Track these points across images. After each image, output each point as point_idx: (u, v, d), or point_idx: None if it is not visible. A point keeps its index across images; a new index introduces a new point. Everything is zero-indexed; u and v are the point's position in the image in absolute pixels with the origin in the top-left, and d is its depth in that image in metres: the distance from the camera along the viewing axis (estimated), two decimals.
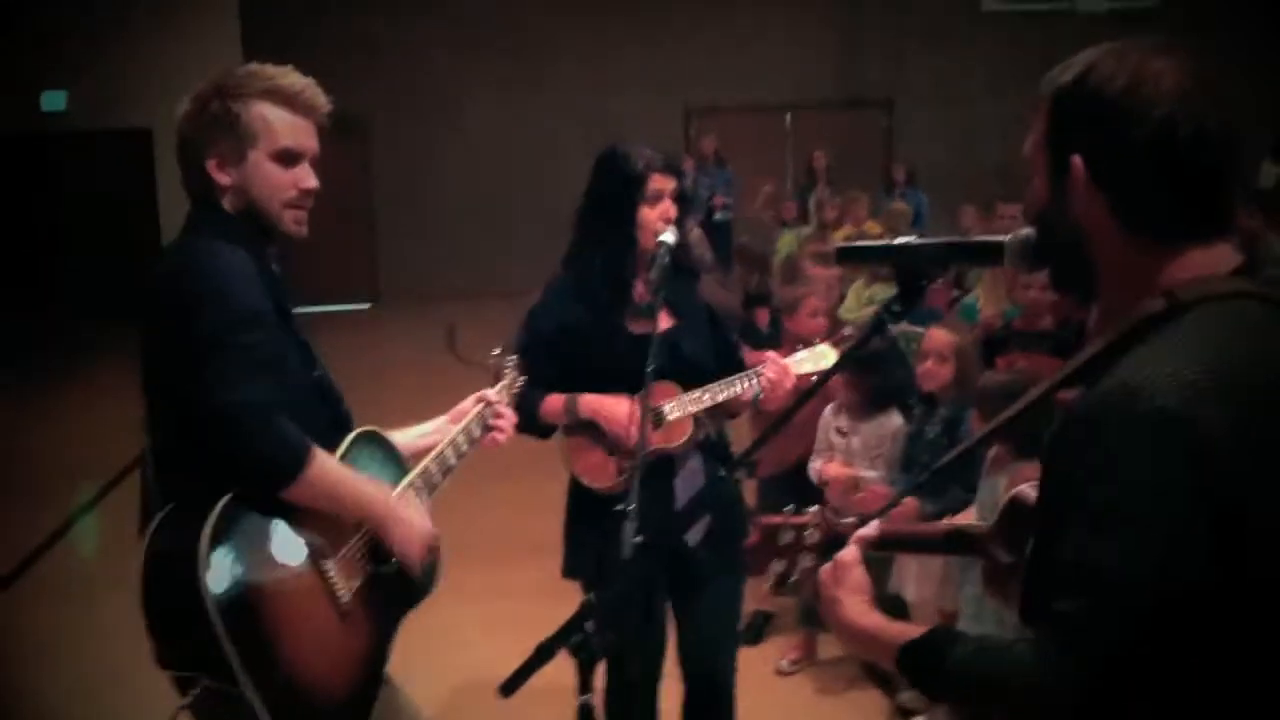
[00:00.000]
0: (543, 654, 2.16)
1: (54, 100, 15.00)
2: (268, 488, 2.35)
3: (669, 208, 3.37)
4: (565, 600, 2.28)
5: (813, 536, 2.00)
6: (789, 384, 3.44)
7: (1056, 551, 1.51)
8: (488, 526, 6.57)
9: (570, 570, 3.56)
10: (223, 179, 2.52)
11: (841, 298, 7.09)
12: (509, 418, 2.97)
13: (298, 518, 2.43)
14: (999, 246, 1.77)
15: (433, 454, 2.76)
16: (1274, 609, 1.49)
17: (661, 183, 3.37)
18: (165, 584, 2.32)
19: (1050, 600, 1.49)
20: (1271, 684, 1.51)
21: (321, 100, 2.59)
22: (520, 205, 15.52)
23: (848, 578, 1.84)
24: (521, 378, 3.12)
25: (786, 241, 11.03)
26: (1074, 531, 1.49)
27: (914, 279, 1.80)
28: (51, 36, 14.41)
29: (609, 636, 2.14)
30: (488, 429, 2.93)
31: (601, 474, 3.43)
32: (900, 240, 1.83)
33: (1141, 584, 1.44)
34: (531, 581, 4.64)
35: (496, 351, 3.11)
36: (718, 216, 13.28)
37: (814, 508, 2.06)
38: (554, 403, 3.42)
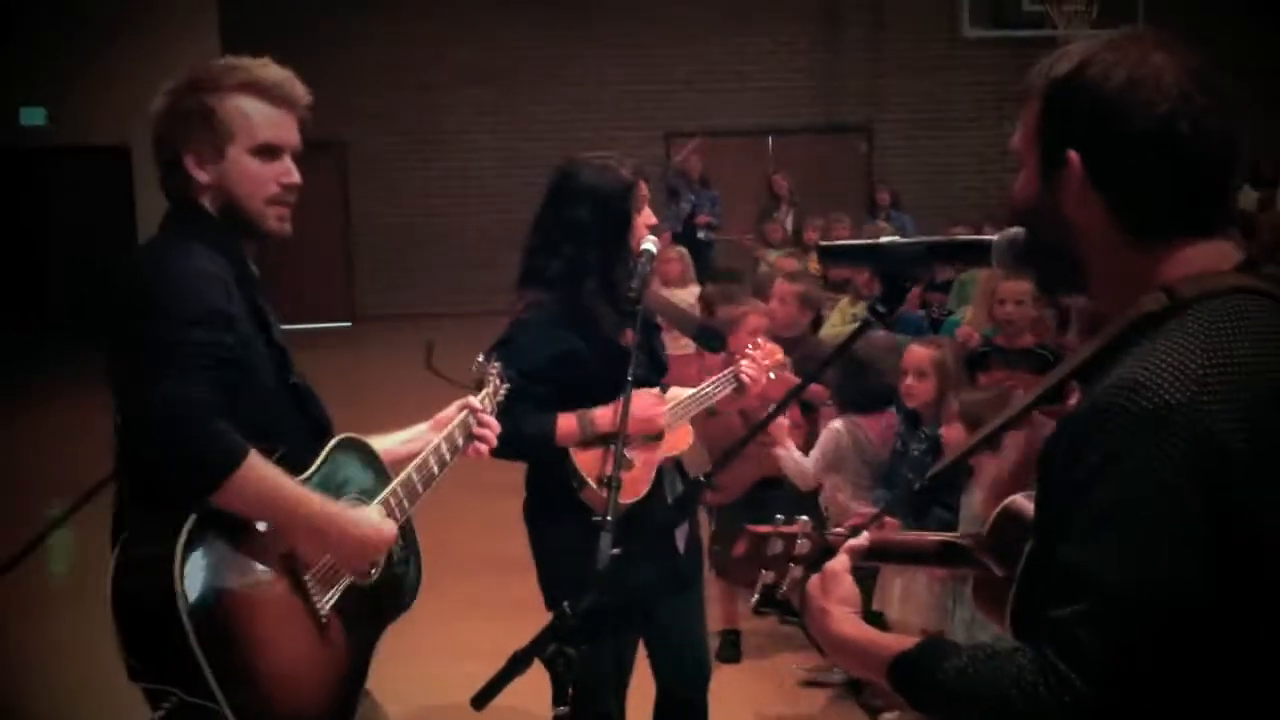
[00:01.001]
0: (516, 665, 2.10)
1: (32, 116, 14.96)
2: (196, 489, 2.22)
3: (650, 213, 3.33)
4: (537, 619, 2.22)
5: (803, 547, 1.94)
6: (764, 381, 3.45)
7: (1057, 555, 1.46)
8: (457, 545, 6.50)
9: (555, 603, 3.26)
10: (201, 177, 2.43)
11: (820, 319, 7.05)
12: (493, 426, 2.85)
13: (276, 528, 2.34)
14: (985, 246, 1.74)
15: (415, 462, 2.65)
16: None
17: (644, 188, 3.33)
18: (138, 595, 2.23)
19: (1050, 606, 1.43)
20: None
21: (301, 92, 2.50)
22: (499, 227, 15.49)
23: (837, 588, 1.77)
24: (505, 386, 3.00)
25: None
26: (1075, 533, 1.44)
27: (897, 278, 1.77)
28: (31, 53, 14.37)
29: (585, 648, 2.09)
30: (471, 438, 2.80)
31: (631, 486, 3.22)
32: (883, 239, 1.80)
33: (1144, 586, 1.39)
34: (502, 601, 4.58)
35: (480, 358, 3.01)
36: (701, 235, 13.28)
37: (802, 517, 2.01)
38: (568, 424, 3.23)
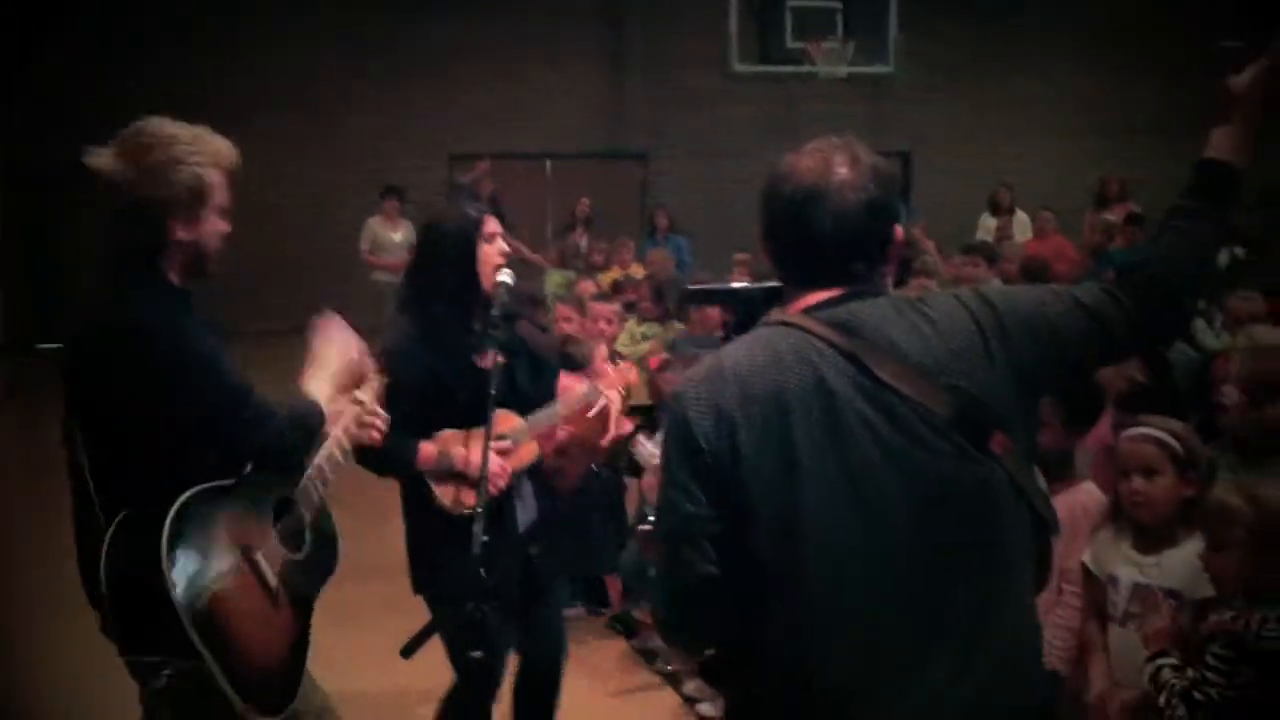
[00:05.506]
0: (436, 624, 2.62)
1: None
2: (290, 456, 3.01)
3: (503, 244, 3.81)
4: (410, 614, 2.71)
5: None
6: (619, 397, 4.12)
7: None
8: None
9: (421, 584, 3.86)
10: (184, 236, 2.88)
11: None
12: (382, 415, 3.31)
13: (231, 519, 2.84)
14: None
15: (322, 453, 3.14)
16: (759, 537, 2.08)
17: (494, 224, 3.82)
18: (131, 580, 2.69)
19: None
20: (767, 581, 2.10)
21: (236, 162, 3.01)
22: (293, 249, 15.58)
23: None
24: (383, 378, 3.42)
25: (555, 282, 11.62)
26: None
27: (749, 313, 2.36)
28: None
29: (494, 606, 2.61)
30: (364, 426, 3.27)
31: (471, 498, 3.71)
32: (737, 285, 2.39)
33: (665, 513, 2.14)
34: (375, 598, 4.95)
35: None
36: None
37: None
38: (429, 453, 3.73)
